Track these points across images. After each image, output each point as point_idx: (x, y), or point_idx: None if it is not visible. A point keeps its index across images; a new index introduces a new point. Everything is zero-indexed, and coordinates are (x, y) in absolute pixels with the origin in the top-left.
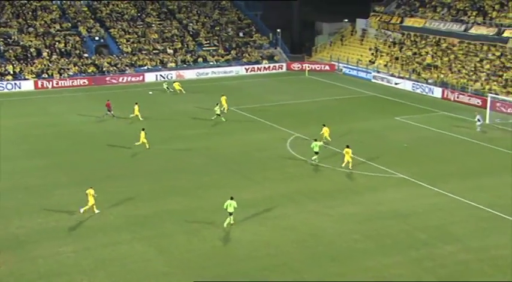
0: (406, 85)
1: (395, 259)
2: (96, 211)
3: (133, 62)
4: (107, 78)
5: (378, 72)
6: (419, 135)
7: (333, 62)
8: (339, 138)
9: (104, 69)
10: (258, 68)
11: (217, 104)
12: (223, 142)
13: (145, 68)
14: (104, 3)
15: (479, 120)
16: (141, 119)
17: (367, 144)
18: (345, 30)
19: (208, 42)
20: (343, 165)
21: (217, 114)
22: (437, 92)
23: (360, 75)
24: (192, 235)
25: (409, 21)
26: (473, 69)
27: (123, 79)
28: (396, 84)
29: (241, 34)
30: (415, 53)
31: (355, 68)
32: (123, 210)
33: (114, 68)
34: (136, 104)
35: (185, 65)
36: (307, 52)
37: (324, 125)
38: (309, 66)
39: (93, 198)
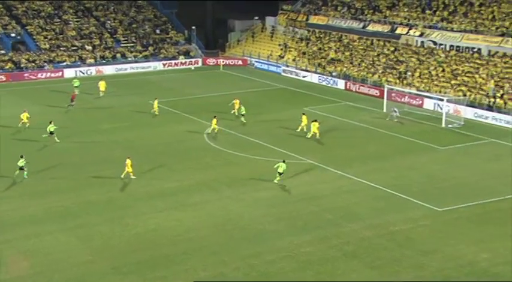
0: (313, 78)
1: (305, 238)
2: (133, 177)
3: (51, 58)
4: (26, 75)
5: (287, 66)
6: (326, 124)
7: (245, 57)
8: (254, 128)
9: (22, 65)
10: (175, 63)
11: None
12: (145, 134)
13: (64, 64)
14: (19, 1)
15: (395, 111)
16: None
17: (278, 133)
18: (256, 27)
19: (126, 39)
20: (309, 136)
21: (242, 115)
22: (341, 84)
23: (270, 69)
24: (115, 224)
25: (313, 19)
26: (371, 62)
27: (42, 75)
28: (304, 77)
29: (157, 31)
30: (320, 48)
31: (266, 62)
32: (45, 203)
33: (33, 64)
34: (156, 99)
35: (104, 61)
36: (221, 48)
37: (316, 121)
38: (223, 61)
39: (130, 167)
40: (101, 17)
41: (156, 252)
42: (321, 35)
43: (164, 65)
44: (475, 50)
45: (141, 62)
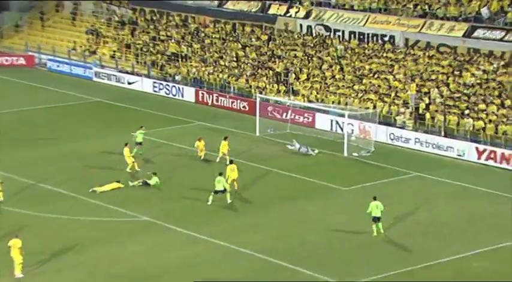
0: (145, 85)
1: None
2: None
3: None
4: None
5: (102, 66)
6: (168, 158)
7: (31, 53)
8: (50, 168)
9: None
10: None
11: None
12: None
13: None
14: None
15: (295, 145)
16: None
17: (92, 174)
18: (46, 5)
19: None
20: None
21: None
22: (189, 93)
23: (75, 72)
24: None
25: None
26: (234, 59)
27: None
28: (130, 83)
29: None
30: (154, 38)
31: (66, 61)
32: None
33: None
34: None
35: None
36: None
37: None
38: None
39: None
40: None
41: None
42: (154, 17)
43: None
44: (387, 38)
45: None
